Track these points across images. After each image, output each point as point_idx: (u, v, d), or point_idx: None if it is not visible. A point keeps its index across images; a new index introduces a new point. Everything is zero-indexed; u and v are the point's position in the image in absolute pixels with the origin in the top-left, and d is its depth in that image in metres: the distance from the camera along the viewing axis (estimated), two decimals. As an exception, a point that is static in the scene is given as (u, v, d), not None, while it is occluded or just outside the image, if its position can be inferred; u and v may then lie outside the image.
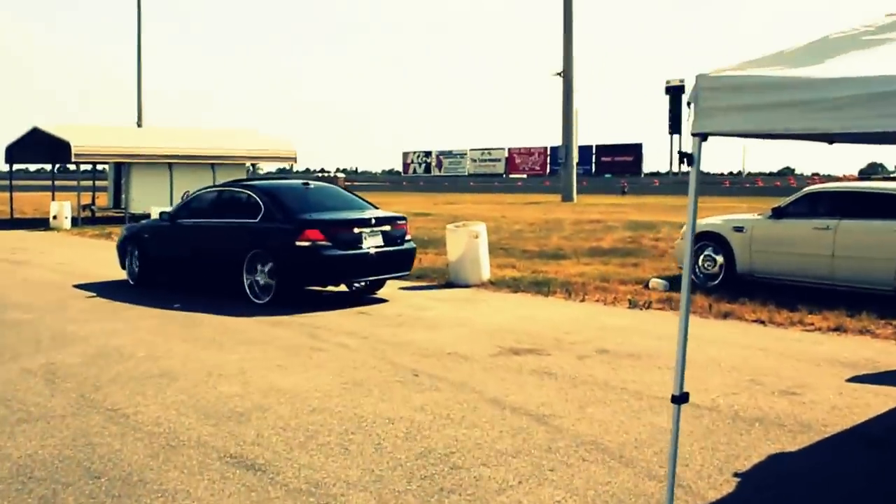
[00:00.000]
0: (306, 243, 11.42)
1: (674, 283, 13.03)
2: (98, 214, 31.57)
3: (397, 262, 12.37)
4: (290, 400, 6.83)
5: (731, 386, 7.28)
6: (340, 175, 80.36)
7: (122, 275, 14.46)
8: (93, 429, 6.08)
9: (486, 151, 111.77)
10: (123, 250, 14.44)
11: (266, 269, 11.79)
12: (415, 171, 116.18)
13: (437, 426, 6.14)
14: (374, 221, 12.07)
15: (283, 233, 11.66)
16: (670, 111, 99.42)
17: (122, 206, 30.29)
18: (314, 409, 6.58)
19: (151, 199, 27.23)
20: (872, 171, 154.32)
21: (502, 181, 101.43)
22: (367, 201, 13.22)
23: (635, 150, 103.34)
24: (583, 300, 12.32)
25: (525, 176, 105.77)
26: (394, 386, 7.31)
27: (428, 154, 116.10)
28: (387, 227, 12.19)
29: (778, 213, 12.35)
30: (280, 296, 11.68)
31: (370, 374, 7.73)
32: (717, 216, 14.16)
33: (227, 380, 7.52)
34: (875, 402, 6.80)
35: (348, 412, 6.50)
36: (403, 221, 12.65)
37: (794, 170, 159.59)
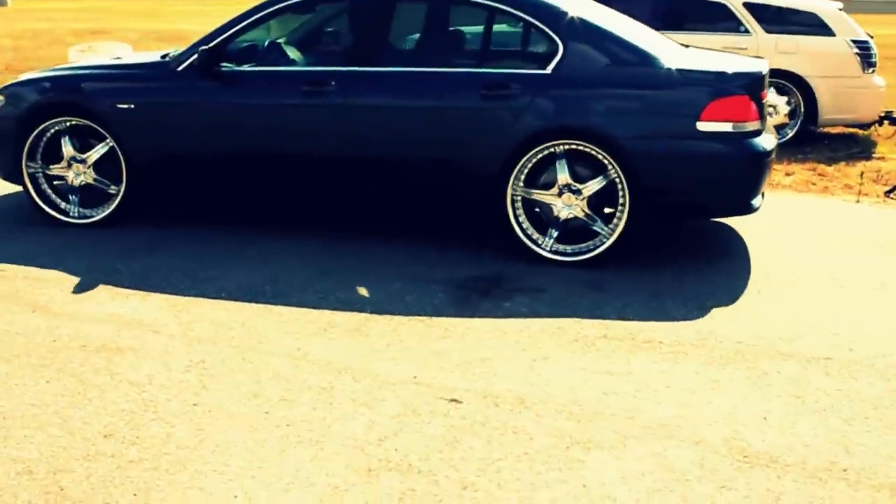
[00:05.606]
0: (723, 126, 5.09)
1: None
2: None
3: None
4: None
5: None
6: None
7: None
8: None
9: None
10: (13, 140, 5.95)
11: (583, 187, 5.28)
12: None
13: None
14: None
15: (657, 98, 5.19)
16: None
17: None
18: None
19: None
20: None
21: None
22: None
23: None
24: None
25: None
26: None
27: None
28: None
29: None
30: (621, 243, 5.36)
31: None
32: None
33: None
34: None
35: None
36: None
37: None
